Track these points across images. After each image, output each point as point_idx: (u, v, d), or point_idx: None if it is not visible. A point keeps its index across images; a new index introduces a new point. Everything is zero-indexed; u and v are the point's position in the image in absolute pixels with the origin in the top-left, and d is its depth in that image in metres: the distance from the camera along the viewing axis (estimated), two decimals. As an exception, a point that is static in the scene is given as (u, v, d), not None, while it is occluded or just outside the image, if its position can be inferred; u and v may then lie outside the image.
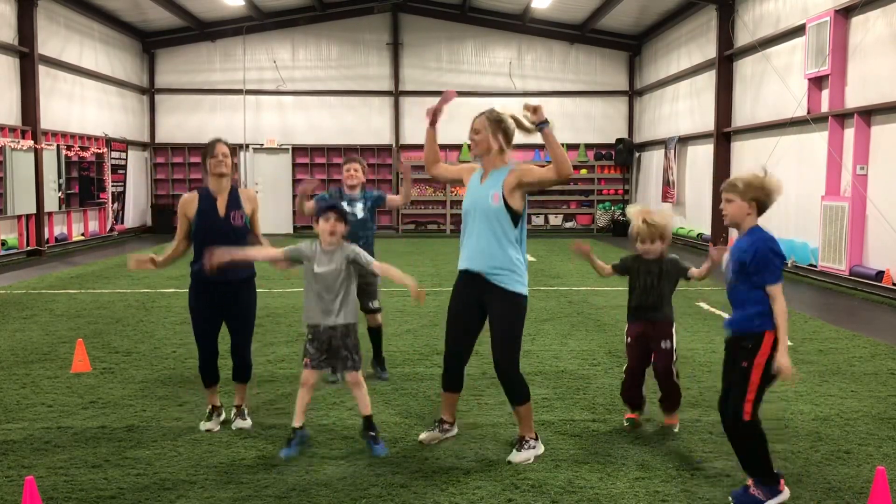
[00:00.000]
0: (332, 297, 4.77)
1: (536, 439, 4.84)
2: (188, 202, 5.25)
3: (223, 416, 5.41)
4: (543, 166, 4.77)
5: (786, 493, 4.10)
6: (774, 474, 4.09)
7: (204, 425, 5.28)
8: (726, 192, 4.17)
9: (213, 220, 5.17)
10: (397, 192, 22.71)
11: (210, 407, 5.39)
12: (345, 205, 6.32)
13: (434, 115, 5.02)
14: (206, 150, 5.24)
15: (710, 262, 4.99)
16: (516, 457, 4.72)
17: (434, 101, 5.11)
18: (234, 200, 5.24)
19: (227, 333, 5.37)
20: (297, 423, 4.85)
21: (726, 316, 9.38)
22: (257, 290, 5.47)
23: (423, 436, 5.02)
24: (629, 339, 5.31)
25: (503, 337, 4.70)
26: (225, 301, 5.24)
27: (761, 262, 3.99)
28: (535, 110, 4.63)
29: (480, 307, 4.80)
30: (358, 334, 4.90)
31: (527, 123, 4.74)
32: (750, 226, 4.13)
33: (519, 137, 4.98)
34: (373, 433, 4.85)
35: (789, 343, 4.28)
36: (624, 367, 5.40)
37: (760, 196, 4.10)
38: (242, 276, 5.26)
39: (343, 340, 4.79)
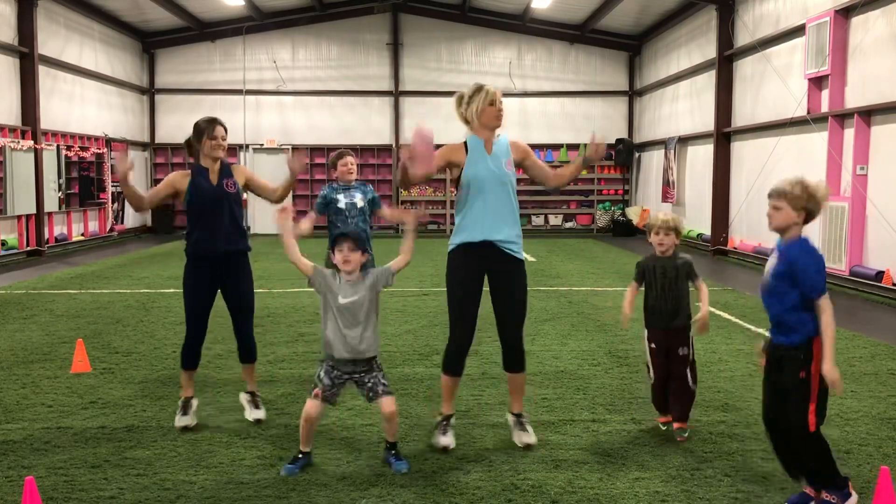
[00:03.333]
0: (357, 330, 4.50)
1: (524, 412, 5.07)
2: (180, 177, 5.25)
3: (196, 405, 5.33)
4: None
5: (855, 496, 3.99)
6: (843, 478, 4.00)
7: (180, 420, 5.18)
8: (776, 198, 4.01)
9: (207, 188, 5.19)
10: (398, 196, 22.78)
11: (183, 399, 5.31)
12: (341, 196, 6.34)
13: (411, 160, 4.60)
14: (202, 129, 5.19)
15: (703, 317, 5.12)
16: (530, 437, 4.90)
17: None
18: (225, 171, 5.28)
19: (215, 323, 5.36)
20: (305, 448, 4.60)
21: (726, 316, 9.41)
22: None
23: (446, 441, 4.86)
24: (652, 345, 5.24)
25: (520, 304, 4.90)
26: (221, 276, 5.24)
27: (807, 275, 3.89)
28: (597, 150, 4.89)
29: (483, 276, 4.88)
30: (379, 362, 4.68)
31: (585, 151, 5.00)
32: (796, 234, 4.00)
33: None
34: (394, 452, 4.62)
35: None
36: (651, 377, 5.31)
37: (811, 206, 3.98)
38: (237, 249, 5.25)
39: (368, 372, 4.56)
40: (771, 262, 4.11)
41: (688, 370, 5.15)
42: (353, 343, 4.49)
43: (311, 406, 4.52)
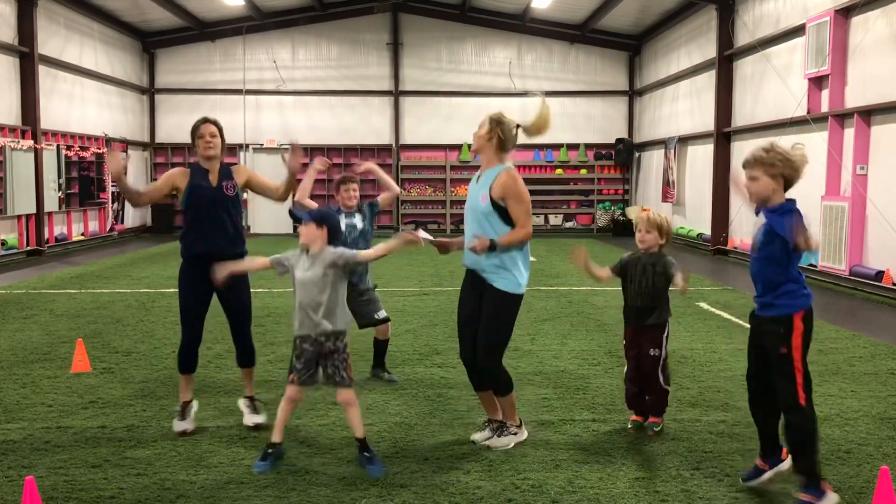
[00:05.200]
0: (314, 305, 4.53)
1: (520, 426, 5.01)
2: (179, 174, 5.23)
3: (196, 409, 5.31)
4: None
5: (832, 496, 3.99)
6: (819, 474, 3.98)
7: (178, 425, 5.14)
8: (750, 168, 3.98)
9: (206, 190, 5.15)
10: (398, 200, 22.74)
11: (181, 403, 5.27)
12: (342, 217, 6.28)
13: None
14: (193, 129, 5.21)
15: (681, 280, 5.02)
16: (495, 441, 4.90)
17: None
18: (225, 173, 5.25)
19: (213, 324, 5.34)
20: (276, 439, 4.59)
21: (726, 316, 9.42)
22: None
23: (476, 436, 5.02)
24: (625, 341, 5.33)
25: (486, 333, 4.83)
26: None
27: (788, 224, 3.87)
28: (478, 248, 4.69)
29: (478, 299, 4.91)
30: (347, 347, 4.63)
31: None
32: (779, 201, 3.98)
33: (518, 138, 5.03)
34: (367, 454, 4.54)
35: None
36: (624, 371, 5.40)
37: (788, 171, 3.94)
38: (233, 253, 5.21)
39: (331, 355, 4.54)
40: (759, 228, 4.10)
41: (659, 371, 5.14)
42: (313, 319, 4.52)
43: (291, 390, 4.58)
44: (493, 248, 4.68)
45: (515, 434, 4.95)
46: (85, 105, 18.98)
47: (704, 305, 10.11)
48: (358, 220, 6.36)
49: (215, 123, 5.26)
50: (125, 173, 5.12)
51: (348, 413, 4.61)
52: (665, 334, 5.19)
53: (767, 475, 4.25)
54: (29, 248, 15.98)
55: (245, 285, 5.38)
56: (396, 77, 22.89)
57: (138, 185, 5.23)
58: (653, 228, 5.18)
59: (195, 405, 5.34)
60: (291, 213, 4.86)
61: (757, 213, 4.18)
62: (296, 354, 4.62)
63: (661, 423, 5.21)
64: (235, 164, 5.43)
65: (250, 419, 5.28)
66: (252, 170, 5.54)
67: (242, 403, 5.40)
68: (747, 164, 4.04)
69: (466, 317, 4.95)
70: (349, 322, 4.71)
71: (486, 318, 4.83)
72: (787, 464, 4.27)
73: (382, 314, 6.39)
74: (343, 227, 6.20)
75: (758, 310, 4.14)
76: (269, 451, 4.57)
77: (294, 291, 4.66)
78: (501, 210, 4.73)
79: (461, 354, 5.04)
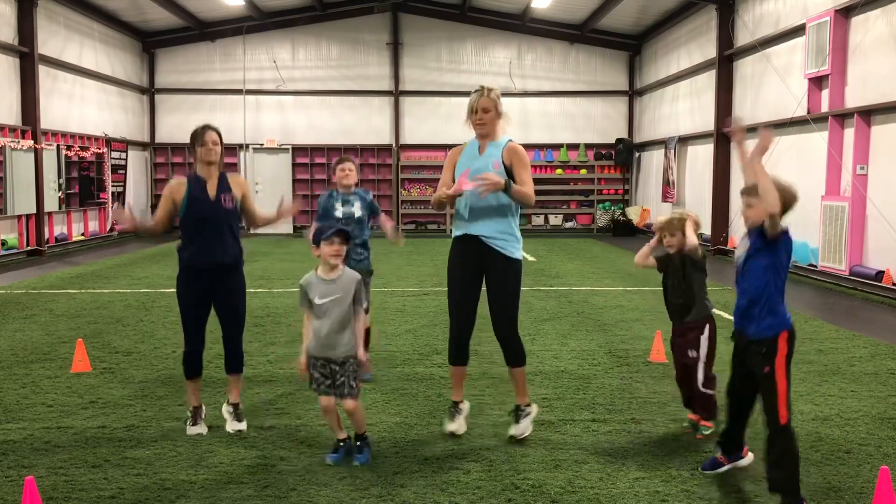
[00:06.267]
0: (332, 329, 4.58)
1: (529, 405, 5.13)
2: (176, 187, 5.22)
3: (206, 414, 5.32)
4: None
5: None
6: (798, 491, 3.95)
7: (191, 430, 5.15)
8: (748, 195, 4.10)
9: (204, 203, 5.15)
10: (398, 195, 22.79)
11: (191, 409, 5.26)
12: (339, 205, 6.35)
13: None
14: (195, 137, 5.20)
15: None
16: (516, 429, 5.00)
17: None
18: (223, 184, 5.24)
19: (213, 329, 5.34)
20: (340, 436, 4.74)
21: (727, 316, 9.39)
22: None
23: (451, 427, 5.11)
24: (671, 338, 5.33)
25: (505, 302, 4.97)
26: (213, 286, 5.19)
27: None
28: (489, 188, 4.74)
29: (480, 271, 5.00)
30: (356, 361, 4.68)
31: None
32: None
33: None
34: (359, 443, 4.70)
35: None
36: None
37: (784, 198, 4.00)
38: (230, 261, 5.21)
39: (342, 368, 4.61)
40: (743, 246, 4.17)
41: (699, 373, 5.10)
42: (329, 342, 4.59)
43: (322, 400, 4.68)
44: (506, 189, 4.75)
45: (530, 413, 5.08)
46: (85, 105, 18.98)
47: (704, 305, 10.10)
48: (357, 209, 6.40)
49: (216, 131, 5.27)
50: (135, 219, 5.28)
51: (353, 418, 4.70)
52: (706, 335, 5.12)
53: (725, 468, 4.46)
54: (29, 248, 15.98)
55: (241, 293, 5.34)
56: (396, 77, 22.88)
57: (146, 220, 5.37)
58: (676, 231, 5.18)
59: (205, 410, 5.34)
60: (318, 232, 4.66)
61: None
62: (312, 366, 4.69)
63: (711, 427, 5.10)
64: (233, 173, 5.40)
65: (232, 426, 5.24)
66: (248, 187, 5.52)
67: (226, 411, 5.35)
68: (745, 192, 4.17)
69: (464, 290, 5.01)
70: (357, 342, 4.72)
71: (505, 288, 4.94)
72: (746, 460, 4.49)
73: (364, 304, 6.40)
74: (339, 213, 6.34)
75: (740, 327, 4.15)
76: (340, 444, 4.72)
77: (310, 313, 4.66)
78: (510, 176, 4.90)
79: (456, 330, 5.06)
